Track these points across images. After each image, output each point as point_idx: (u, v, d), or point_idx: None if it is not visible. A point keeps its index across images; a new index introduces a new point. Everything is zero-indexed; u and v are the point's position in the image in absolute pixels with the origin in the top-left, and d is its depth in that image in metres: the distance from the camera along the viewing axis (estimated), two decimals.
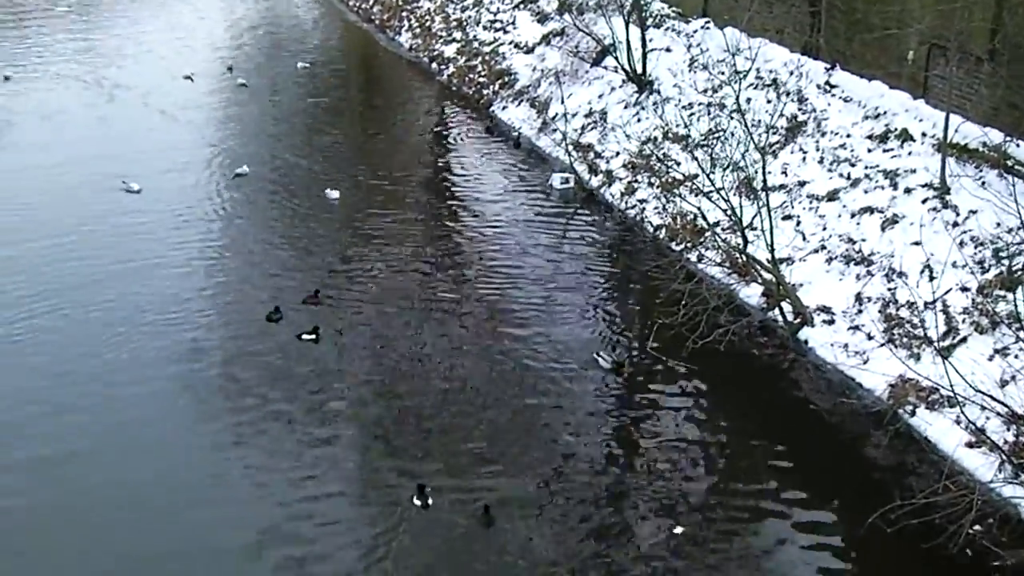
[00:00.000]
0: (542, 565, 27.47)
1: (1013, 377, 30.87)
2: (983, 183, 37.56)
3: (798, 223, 41.86)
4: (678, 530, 28.33)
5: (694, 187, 41.70)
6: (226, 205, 48.75)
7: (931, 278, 35.00)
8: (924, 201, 39.22)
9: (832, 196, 42.09)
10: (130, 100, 63.48)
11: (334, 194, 49.30)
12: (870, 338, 35.88)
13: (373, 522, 28.86)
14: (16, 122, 58.88)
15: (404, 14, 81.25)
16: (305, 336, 37.08)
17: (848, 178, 42.35)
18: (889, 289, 37.02)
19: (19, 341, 36.96)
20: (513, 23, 69.94)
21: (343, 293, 40.94)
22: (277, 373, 35.45)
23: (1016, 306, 29.63)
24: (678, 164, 46.16)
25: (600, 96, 56.75)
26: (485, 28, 71.70)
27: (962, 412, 29.11)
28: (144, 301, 39.56)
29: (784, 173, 43.98)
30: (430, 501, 29.18)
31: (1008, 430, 30.25)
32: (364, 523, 28.88)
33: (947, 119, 39.08)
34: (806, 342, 37.32)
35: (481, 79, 66.60)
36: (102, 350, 36.45)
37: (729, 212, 37.65)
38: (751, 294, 39.90)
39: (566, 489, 30.30)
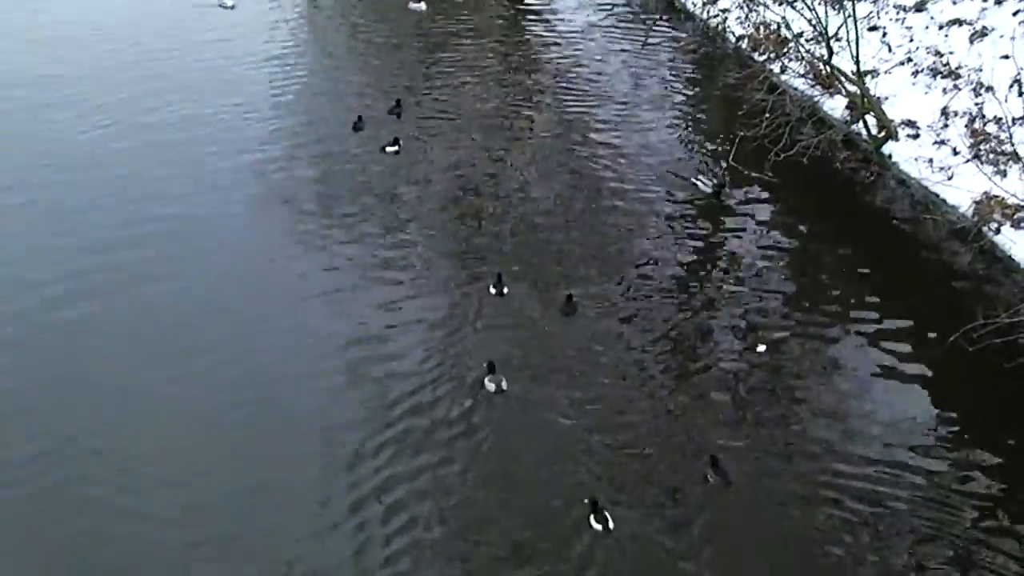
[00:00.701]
0: (619, 353, 27.92)
1: None
2: None
3: (884, 34, 41.03)
4: (760, 348, 28.23)
5: None
6: (312, 16, 48.85)
7: (1020, 93, 34.33)
8: (1015, 13, 38.28)
9: (920, 7, 41.15)
10: None
11: (418, 5, 48.81)
12: (956, 153, 35.29)
13: (450, 313, 29.51)
14: None
15: None
16: (388, 148, 37.27)
17: None
18: (976, 104, 36.32)
19: (103, 151, 37.54)
20: None
21: (424, 104, 41.09)
22: (361, 181, 35.87)
23: None
24: None
25: None
26: None
27: None
28: (233, 111, 40.25)
29: None
30: (506, 289, 29.85)
31: None
32: (441, 315, 29.48)
33: None
34: (890, 156, 36.75)
35: None
36: (188, 157, 37.14)
37: (814, 22, 36.95)
38: (835, 107, 39.26)
39: (648, 293, 30.53)
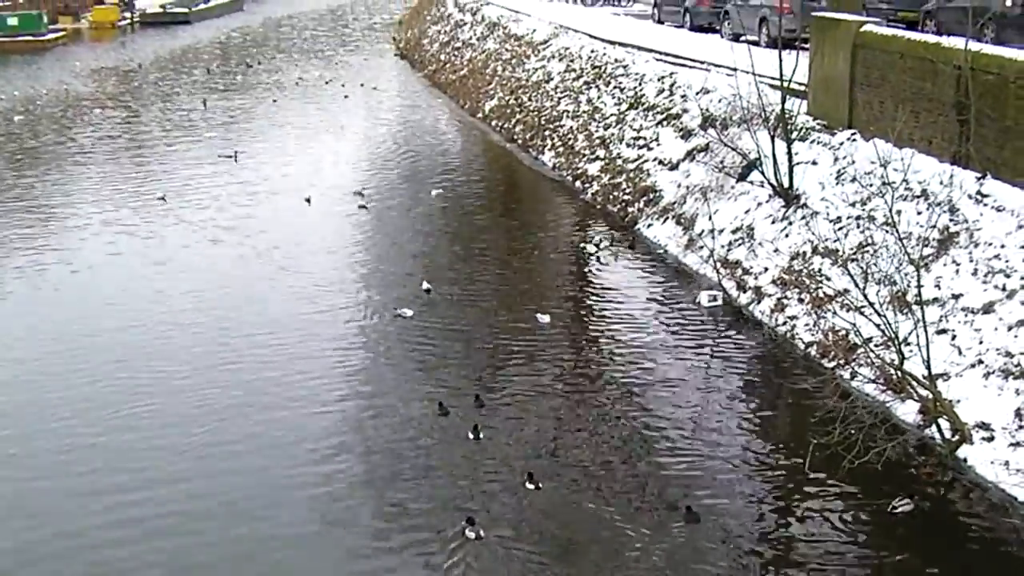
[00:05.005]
0: None
1: None
2: None
3: (953, 337, 40.91)
4: None
5: (846, 302, 41.15)
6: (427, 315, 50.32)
7: None
8: None
9: (987, 309, 41.11)
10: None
11: (544, 319, 49.42)
12: None
13: None
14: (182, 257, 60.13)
15: (547, 133, 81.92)
16: (471, 435, 38.38)
17: (1003, 289, 41.35)
18: None
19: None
20: (656, 140, 69.85)
21: (500, 401, 41.89)
22: (436, 460, 37.61)
23: None
24: (829, 279, 45.54)
25: (747, 211, 56.37)
26: (628, 145, 71.79)
27: None
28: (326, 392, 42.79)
29: (937, 286, 43.04)
30: None
31: None
32: None
33: None
34: (965, 460, 36.35)
35: (626, 196, 66.67)
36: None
37: (883, 327, 37.05)
38: (907, 412, 38.98)
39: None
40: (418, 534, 33.39)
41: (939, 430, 37.18)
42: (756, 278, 51.51)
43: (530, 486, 35.10)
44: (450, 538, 32.74)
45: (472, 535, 32.12)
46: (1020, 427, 36.16)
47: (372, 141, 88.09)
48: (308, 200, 68.76)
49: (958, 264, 43.94)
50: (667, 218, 61.54)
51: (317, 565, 32.39)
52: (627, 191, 67.17)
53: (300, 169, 77.10)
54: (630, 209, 65.12)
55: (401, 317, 49.51)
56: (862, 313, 38.09)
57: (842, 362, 42.96)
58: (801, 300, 47.88)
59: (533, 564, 31.87)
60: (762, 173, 55.65)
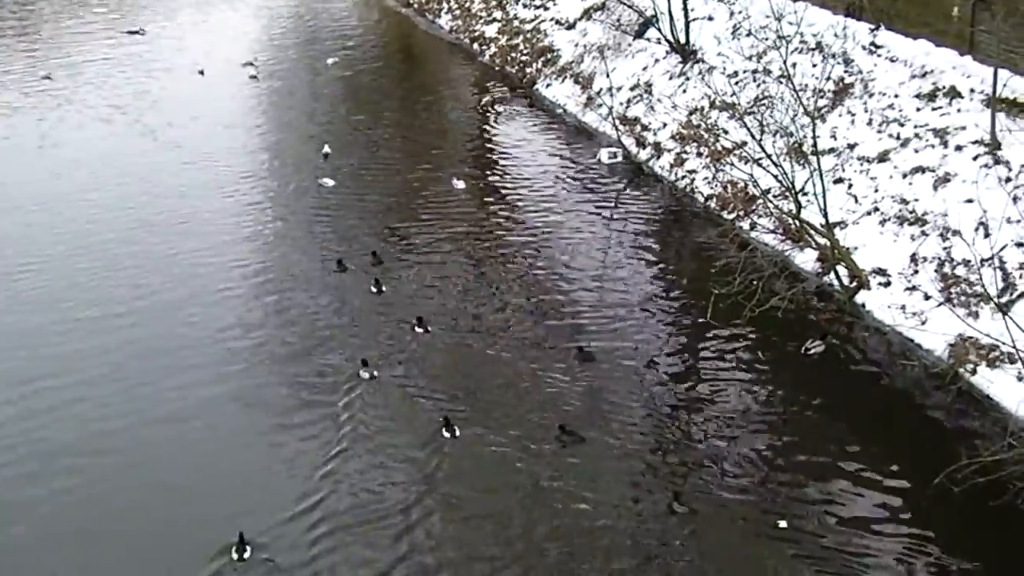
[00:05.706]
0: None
1: None
2: None
3: (850, 186, 41.60)
4: (782, 524, 27.97)
5: (744, 155, 41.55)
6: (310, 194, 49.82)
7: (986, 235, 34.71)
8: (975, 158, 38.93)
9: (883, 157, 41.80)
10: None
11: (459, 184, 49.41)
12: (927, 298, 35.68)
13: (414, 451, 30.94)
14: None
15: None
16: (373, 289, 39.66)
17: (898, 138, 42.06)
18: (944, 248, 36.77)
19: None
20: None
21: (403, 258, 42.83)
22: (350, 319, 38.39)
23: None
24: (726, 132, 45.85)
25: (644, 68, 56.56)
26: (525, 6, 71.51)
27: None
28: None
29: (833, 137, 43.71)
30: (457, 433, 31.27)
31: None
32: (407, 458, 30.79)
33: (995, 74, 38.82)
34: (863, 305, 37.15)
35: (524, 58, 66.45)
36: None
37: (780, 178, 37.53)
38: (806, 260, 39.74)
39: (631, 447, 31.08)
40: (316, 378, 34.53)
41: (837, 277, 37.91)
42: (655, 134, 51.84)
43: (419, 330, 36.53)
44: (346, 379, 34.10)
45: (366, 375, 34.01)
46: (916, 271, 36.92)
47: (267, 11, 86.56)
48: (201, 72, 67.49)
49: (853, 114, 44.54)
50: (565, 77, 61.48)
51: (222, 405, 33.36)
52: (525, 52, 66.96)
53: (193, 42, 75.26)
54: (528, 70, 64.92)
55: (321, 187, 49.44)
56: (760, 165, 38.55)
57: (741, 213, 43.53)
58: (700, 154, 48.31)
59: (426, 400, 33.19)
60: (659, 30, 55.82)
